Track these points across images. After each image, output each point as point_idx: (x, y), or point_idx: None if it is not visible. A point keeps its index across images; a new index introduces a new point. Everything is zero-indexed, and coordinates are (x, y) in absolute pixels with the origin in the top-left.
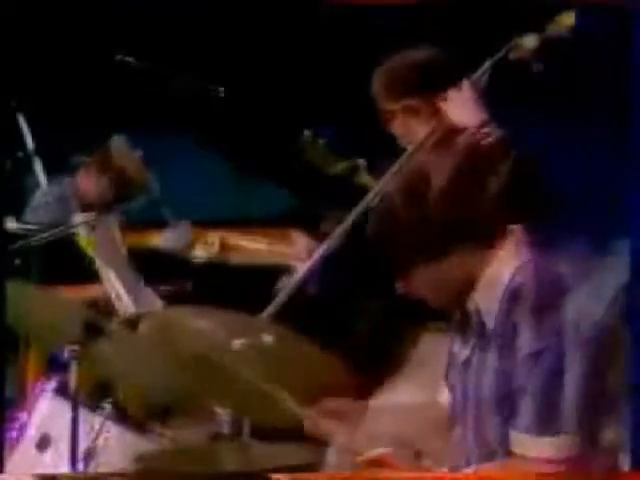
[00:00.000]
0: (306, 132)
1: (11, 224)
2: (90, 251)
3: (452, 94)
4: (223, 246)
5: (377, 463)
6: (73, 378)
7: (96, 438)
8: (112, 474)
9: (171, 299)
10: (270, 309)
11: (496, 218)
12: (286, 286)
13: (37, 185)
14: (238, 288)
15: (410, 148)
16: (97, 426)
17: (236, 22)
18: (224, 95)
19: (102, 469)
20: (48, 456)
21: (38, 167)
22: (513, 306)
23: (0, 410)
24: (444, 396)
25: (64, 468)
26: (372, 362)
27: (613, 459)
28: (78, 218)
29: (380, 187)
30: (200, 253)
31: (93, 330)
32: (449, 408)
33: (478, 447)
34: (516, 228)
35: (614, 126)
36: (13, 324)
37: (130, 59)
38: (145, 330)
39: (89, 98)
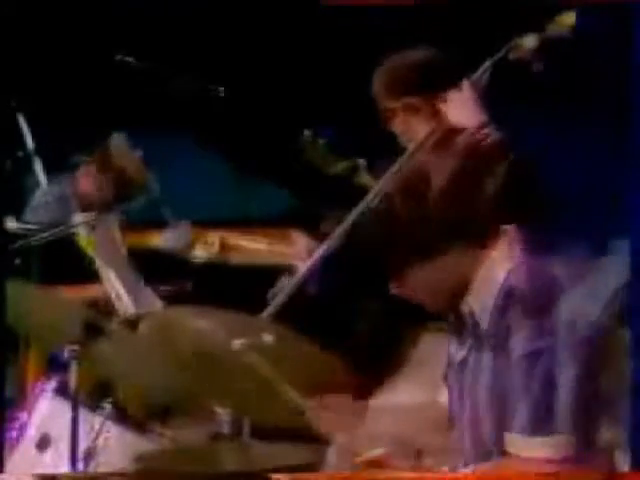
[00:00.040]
0: (306, 132)
1: (11, 224)
2: (90, 251)
3: (452, 95)
4: (223, 246)
5: (376, 464)
6: (73, 378)
7: (96, 438)
8: (112, 474)
9: (171, 299)
10: (270, 309)
11: (492, 219)
12: (286, 286)
13: (37, 185)
14: (238, 288)
15: (410, 148)
16: (97, 426)
17: (236, 22)
18: (224, 95)
19: (102, 469)
20: (48, 456)
21: (38, 167)
22: (507, 307)
23: (0, 410)
24: (444, 396)
25: (64, 468)
26: (372, 362)
27: (610, 459)
28: (78, 218)
29: (380, 187)
30: (200, 253)
31: (93, 330)
32: (448, 408)
33: (474, 447)
34: (509, 229)
35: (614, 126)
36: (13, 324)
37: (130, 59)
38: (145, 330)
39: (89, 98)
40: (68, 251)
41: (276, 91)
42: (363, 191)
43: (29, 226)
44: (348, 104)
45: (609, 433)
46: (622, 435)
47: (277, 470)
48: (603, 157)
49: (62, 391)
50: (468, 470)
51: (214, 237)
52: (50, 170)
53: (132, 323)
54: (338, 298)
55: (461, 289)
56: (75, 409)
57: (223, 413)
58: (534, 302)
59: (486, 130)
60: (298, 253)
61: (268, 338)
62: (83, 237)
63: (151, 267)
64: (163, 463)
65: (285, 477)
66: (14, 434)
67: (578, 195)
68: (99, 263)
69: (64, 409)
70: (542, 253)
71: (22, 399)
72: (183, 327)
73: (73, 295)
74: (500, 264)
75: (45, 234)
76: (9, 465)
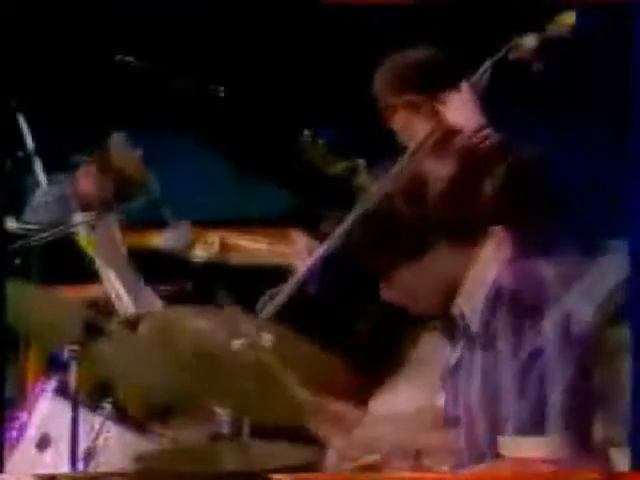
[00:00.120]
0: (306, 132)
1: (11, 224)
2: (90, 251)
3: (451, 96)
4: (223, 246)
5: (372, 468)
6: (73, 378)
7: (96, 438)
8: (112, 474)
9: (171, 299)
10: (270, 309)
11: (490, 220)
12: (286, 286)
13: (37, 185)
14: (238, 288)
15: (409, 149)
16: (97, 426)
17: (236, 22)
18: (224, 95)
19: (102, 469)
20: (48, 456)
21: (38, 167)
22: (496, 308)
23: (0, 410)
24: (443, 397)
25: (64, 468)
26: (372, 362)
27: (606, 459)
28: (78, 218)
29: (380, 188)
30: (200, 253)
31: (93, 330)
32: (444, 409)
33: (469, 449)
34: (498, 229)
35: (614, 126)
36: (13, 324)
37: (130, 59)
38: (145, 330)
39: (89, 98)
40: (68, 251)
41: (276, 91)
42: (363, 191)
43: (29, 226)
44: (348, 104)
45: (605, 432)
46: (620, 434)
47: (277, 470)
48: (603, 157)
49: (62, 391)
50: (466, 471)
51: (214, 237)
52: (50, 170)
53: (132, 323)
54: (338, 298)
55: (451, 291)
56: (75, 409)
57: (223, 413)
58: (524, 303)
59: (485, 132)
60: (298, 253)
61: (268, 338)
62: (83, 237)
63: (151, 267)
64: (163, 463)
65: (285, 477)
66: (14, 434)
67: (578, 195)
68: (99, 263)
69: (64, 409)
70: (532, 254)
71: (22, 399)
72: (183, 327)
73: (73, 295)
74: (490, 265)
75: (45, 234)
76: (9, 465)
